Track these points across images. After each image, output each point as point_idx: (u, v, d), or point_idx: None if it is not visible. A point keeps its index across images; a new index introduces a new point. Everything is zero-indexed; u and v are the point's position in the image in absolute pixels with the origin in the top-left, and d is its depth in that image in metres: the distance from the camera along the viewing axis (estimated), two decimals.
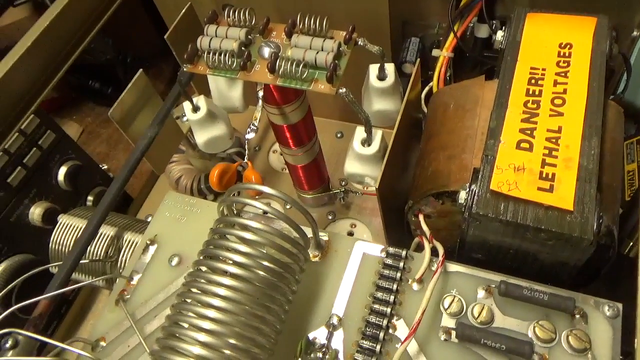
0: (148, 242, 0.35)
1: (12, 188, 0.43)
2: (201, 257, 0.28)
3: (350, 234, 0.47)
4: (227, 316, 0.25)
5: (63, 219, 0.39)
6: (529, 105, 0.29)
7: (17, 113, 0.42)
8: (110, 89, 0.66)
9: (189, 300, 0.26)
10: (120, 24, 0.54)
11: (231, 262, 0.26)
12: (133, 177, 0.57)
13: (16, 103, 0.42)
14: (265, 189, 0.28)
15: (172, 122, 0.43)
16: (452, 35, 0.43)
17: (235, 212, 0.31)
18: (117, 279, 0.33)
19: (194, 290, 0.26)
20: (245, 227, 0.27)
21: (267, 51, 0.33)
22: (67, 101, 0.74)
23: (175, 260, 0.34)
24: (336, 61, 0.31)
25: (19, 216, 0.44)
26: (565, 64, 0.31)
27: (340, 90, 0.31)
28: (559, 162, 0.27)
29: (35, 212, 0.45)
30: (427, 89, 0.46)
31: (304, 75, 0.31)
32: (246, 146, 0.36)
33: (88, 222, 0.35)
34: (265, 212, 0.28)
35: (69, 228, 0.39)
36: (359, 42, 0.32)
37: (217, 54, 0.32)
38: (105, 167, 0.57)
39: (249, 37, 0.33)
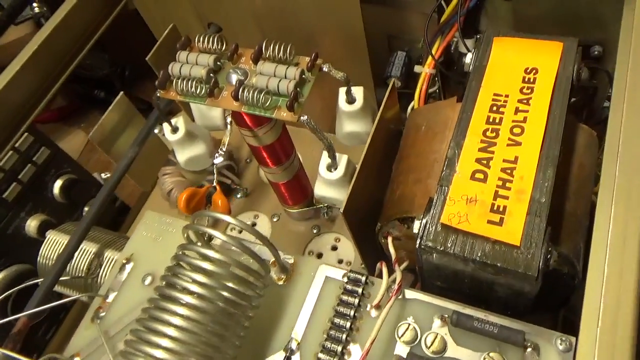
0: (124, 260, 0.36)
1: (8, 203, 0.45)
2: (162, 283, 0.29)
3: (334, 248, 0.48)
4: (178, 345, 0.26)
5: (51, 235, 0.41)
6: (488, 133, 0.29)
7: (11, 131, 0.44)
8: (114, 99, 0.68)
9: (142, 328, 0.27)
10: (117, 38, 0.55)
11: (186, 290, 0.27)
12: (131, 186, 0.59)
13: (9, 121, 0.44)
14: (225, 218, 0.29)
15: (157, 139, 0.44)
16: (433, 49, 0.43)
17: (200, 236, 0.32)
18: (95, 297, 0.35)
19: (148, 317, 0.27)
20: (202, 256, 0.28)
21: (234, 78, 0.33)
22: (75, 110, 0.76)
23: (148, 280, 0.35)
24: (298, 89, 0.31)
25: (16, 228, 0.46)
26: (529, 91, 0.30)
27: (302, 118, 0.31)
28: (511, 194, 0.27)
29: (32, 225, 0.47)
30: (410, 106, 0.46)
31: (267, 104, 0.31)
32: (214, 170, 0.37)
33: (69, 240, 0.36)
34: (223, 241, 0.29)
35: (55, 244, 0.40)
36: (324, 68, 0.33)
37: (185, 81, 0.33)
38: (109, 175, 0.59)
39: (218, 63, 0.34)
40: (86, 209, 0.53)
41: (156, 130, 0.43)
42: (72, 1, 0.46)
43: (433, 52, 0.41)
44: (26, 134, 0.45)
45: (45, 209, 0.48)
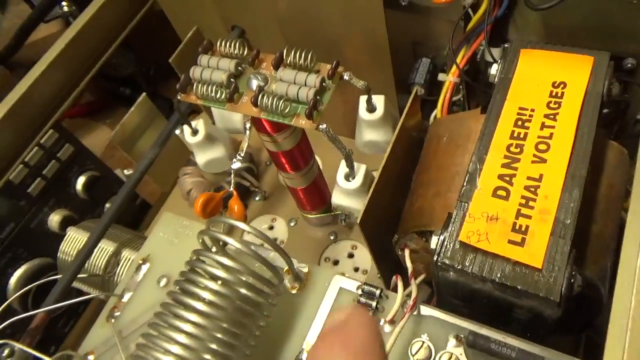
0: (140, 261, 0.36)
1: (32, 197, 0.46)
2: (175, 288, 0.29)
3: (351, 255, 0.47)
4: (189, 352, 0.26)
5: (71, 231, 0.42)
6: (512, 149, 0.28)
7: (37, 128, 0.45)
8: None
9: (154, 333, 0.27)
10: (143, 37, 0.56)
11: (198, 297, 0.27)
12: (153, 185, 0.60)
13: (36, 118, 0.45)
14: (240, 225, 0.29)
15: (177, 139, 0.44)
16: (458, 58, 0.42)
17: (215, 241, 0.32)
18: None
19: (160, 321, 0.27)
20: (215, 263, 0.28)
21: (254, 83, 0.33)
22: (102, 105, 0.78)
23: (163, 282, 0.35)
24: (318, 97, 0.31)
25: (39, 223, 0.47)
26: (556, 106, 0.29)
27: (321, 127, 0.31)
28: (534, 214, 0.26)
29: (54, 220, 0.48)
30: (433, 115, 0.45)
31: (286, 111, 0.31)
32: (232, 175, 0.36)
33: (87, 239, 0.37)
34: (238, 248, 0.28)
35: (75, 241, 0.41)
36: (345, 77, 0.32)
37: (206, 85, 0.33)
38: (131, 171, 0.59)
39: (239, 68, 0.34)
40: (107, 205, 0.53)
41: (177, 131, 0.43)
42: (100, 0, 0.47)
43: (458, 60, 0.41)
44: (51, 130, 0.46)
45: (68, 204, 0.49)
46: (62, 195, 0.49)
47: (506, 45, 0.41)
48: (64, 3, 0.52)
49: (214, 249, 0.30)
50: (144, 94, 0.39)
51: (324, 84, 0.31)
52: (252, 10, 0.44)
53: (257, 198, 0.52)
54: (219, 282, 0.27)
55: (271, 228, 0.51)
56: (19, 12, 0.65)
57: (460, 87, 0.45)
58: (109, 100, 0.78)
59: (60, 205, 0.49)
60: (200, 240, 0.31)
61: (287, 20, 0.43)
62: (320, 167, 0.43)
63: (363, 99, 0.35)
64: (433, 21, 0.44)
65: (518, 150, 0.28)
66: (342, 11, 0.42)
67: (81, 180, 0.50)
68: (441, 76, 0.43)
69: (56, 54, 0.44)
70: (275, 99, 0.31)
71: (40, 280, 0.48)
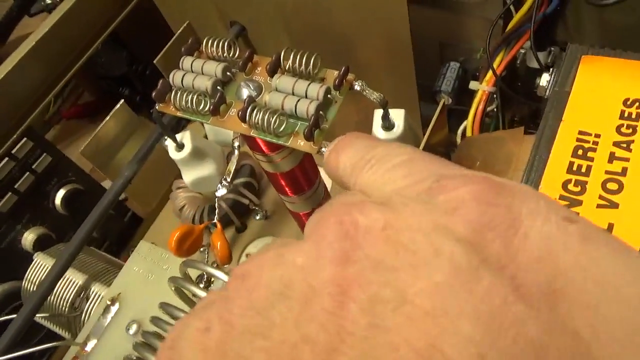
0: (109, 301, 0.31)
1: (2, 214, 0.41)
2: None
3: None
4: None
5: (38, 257, 0.36)
6: (571, 187, 0.22)
7: (5, 134, 0.39)
8: (139, 97, 0.63)
9: None
10: (137, 35, 0.50)
11: None
12: (147, 194, 0.54)
13: (4, 123, 0.39)
14: (218, 275, 0.23)
15: (164, 153, 0.39)
16: (496, 62, 0.35)
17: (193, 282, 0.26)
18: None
19: None
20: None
21: (245, 93, 0.27)
22: (101, 106, 0.73)
23: (133, 329, 0.29)
24: (321, 112, 0.24)
25: (11, 242, 0.42)
26: (630, 131, 0.22)
27: (324, 150, 0.25)
28: None
29: (28, 239, 0.42)
30: (462, 127, 0.38)
31: (280, 129, 0.25)
32: (216, 203, 0.31)
33: (50, 270, 0.31)
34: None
35: (42, 268, 0.36)
36: (355, 87, 0.26)
37: (186, 94, 0.27)
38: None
39: (228, 73, 0.28)
40: None
41: (167, 142, 0.37)
42: None
43: (495, 66, 0.34)
44: (25, 139, 0.40)
45: (45, 221, 0.44)
46: (38, 210, 0.43)
47: (553, 49, 0.35)
48: None
49: (193, 289, 0.24)
50: (121, 101, 0.34)
51: (329, 95, 0.25)
52: (254, 3, 0.38)
53: (257, 217, 0.46)
54: None
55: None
56: (6, 6, 0.60)
57: (495, 96, 0.38)
58: (109, 101, 0.73)
59: (36, 222, 0.43)
60: (173, 288, 0.25)
61: (292, 13, 0.37)
62: (328, 188, 0.37)
63: (378, 113, 0.28)
64: (465, 19, 0.37)
65: (579, 189, 0.22)
66: (357, 5, 0.35)
67: (60, 194, 0.44)
68: (473, 84, 0.36)
69: (30, 47, 0.39)
70: (267, 114, 0.25)
71: (12, 305, 0.43)
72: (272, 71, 0.27)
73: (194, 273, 0.29)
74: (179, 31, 0.36)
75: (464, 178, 0.11)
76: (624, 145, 0.22)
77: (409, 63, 0.37)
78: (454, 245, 0.09)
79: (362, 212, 0.11)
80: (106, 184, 0.51)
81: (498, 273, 0.09)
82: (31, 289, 0.36)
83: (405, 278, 0.09)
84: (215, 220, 0.30)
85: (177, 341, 0.11)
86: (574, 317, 0.08)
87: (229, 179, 0.27)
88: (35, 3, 0.47)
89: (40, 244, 0.43)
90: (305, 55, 0.26)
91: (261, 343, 0.10)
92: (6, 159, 0.40)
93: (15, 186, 0.41)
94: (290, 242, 0.12)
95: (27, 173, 0.42)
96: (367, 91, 0.26)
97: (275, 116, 0.25)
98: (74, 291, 0.34)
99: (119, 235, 0.50)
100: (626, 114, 0.23)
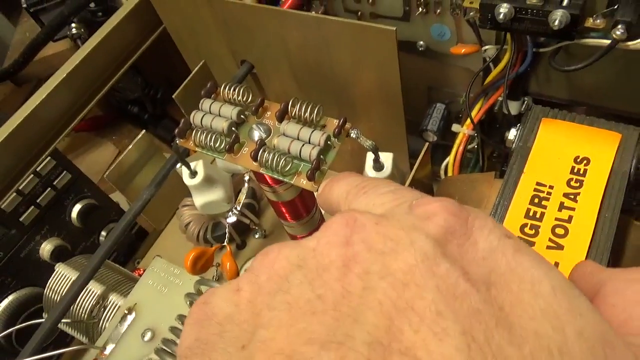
0: (126, 310, 0.34)
1: (24, 226, 0.45)
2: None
3: None
4: None
5: (60, 268, 0.40)
6: (527, 230, 0.26)
7: (35, 155, 0.43)
8: (147, 115, 0.67)
9: None
10: (151, 60, 0.54)
11: None
12: (152, 210, 0.58)
13: (34, 144, 0.43)
14: None
15: (176, 176, 0.43)
16: (474, 111, 0.40)
17: None
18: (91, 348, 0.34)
19: None
20: None
21: (256, 135, 0.31)
22: (109, 120, 0.77)
23: (148, 335, 0.33)
24: (322, 156, 0.29)
25: (30, 251, 0.46)
26: (577, 184, 0.27)
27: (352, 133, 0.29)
28: None
29: (45, 249, 0.46)
30: (445, 162, 0.43)
31: (287, 168, 0.29)
32: (227, 230, 0.35)
33: (74, 282, 0.35)
34: None
35: (63, 278, 0.39)
36: (352, 134, 0.30)
37: (205, 133, 0.31)
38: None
39: (242, 116, 0.32)
40: (103, 233, 0.52)
41: (178, 165, 0.41)
42: (111, 24, 0.46)
43: (474, 114, 0.38)
44: (49, 158, 0.44)
45: (61, 233, 0.48)
46: (55, 223, 0.47)
47: (525, 99, 0.40)
48: (73, 25, 0.51)
49: None
50: (143, 131, 0.38)
51: (329, 142, 0.29)
52: (262, 46, 0.43)
53: (256, 236, 0.50)
54: None
55: None
56: (31, 25, 0.65)
57: (475, 136, 0.43)
58: (116, 116, 0.77)
59: (53, 233, 0.47)
60: (188, 303, 0.29)
61: (295, 56, 0.42)
62: (323, 213, 0.41)
63: (370, 156, 0.33)
64: (450, 68, 0.42)
65: (533, 232, 0.26)
66: (355, 53, 0.40)
67: (77, 209, 0.48)
68: (455, 127, 0.41)
69: (62, 78, 0.43)
70: (276, 156, 0.29)
71: (28, 310, 0.46)
72: (281, 117, 0.31)
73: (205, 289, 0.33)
74: (195, 69, 0.41)
75: (436, 199, 0.15)
76: (572, 196, 0.27)
77: (399, 103, 0.42)
78: (424, 240, 0.13)
79: (361, 214, 0.15)
80: (114, 196, 0.55)
81: (453, 263, 0.13)
82: (53, 296, 0.40)
83: (389, 258, 0.13)
84: (225, 243, 0.34)
85: (211, 297, 0.15)
86: (502, 297, 0.12)
87: (239, 208, 0.31)
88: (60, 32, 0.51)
89: (57, 254, 0.47)
90: (310, 106, 0.30)
91: (284, 297, 0.13)
92: (31, 175, 0.43)
93: (38, 200, 0.45)
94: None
95: (49, 189, 0.45)
96: (361, 139, 0.30)
97: (283, 158, 0.29)
98: (94, 300, 0.37)
99: (128, 247, 0.54)
100: (575, 170, 0.28)
